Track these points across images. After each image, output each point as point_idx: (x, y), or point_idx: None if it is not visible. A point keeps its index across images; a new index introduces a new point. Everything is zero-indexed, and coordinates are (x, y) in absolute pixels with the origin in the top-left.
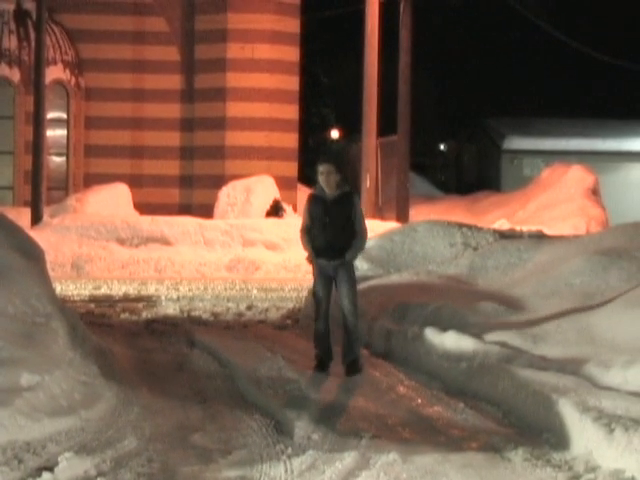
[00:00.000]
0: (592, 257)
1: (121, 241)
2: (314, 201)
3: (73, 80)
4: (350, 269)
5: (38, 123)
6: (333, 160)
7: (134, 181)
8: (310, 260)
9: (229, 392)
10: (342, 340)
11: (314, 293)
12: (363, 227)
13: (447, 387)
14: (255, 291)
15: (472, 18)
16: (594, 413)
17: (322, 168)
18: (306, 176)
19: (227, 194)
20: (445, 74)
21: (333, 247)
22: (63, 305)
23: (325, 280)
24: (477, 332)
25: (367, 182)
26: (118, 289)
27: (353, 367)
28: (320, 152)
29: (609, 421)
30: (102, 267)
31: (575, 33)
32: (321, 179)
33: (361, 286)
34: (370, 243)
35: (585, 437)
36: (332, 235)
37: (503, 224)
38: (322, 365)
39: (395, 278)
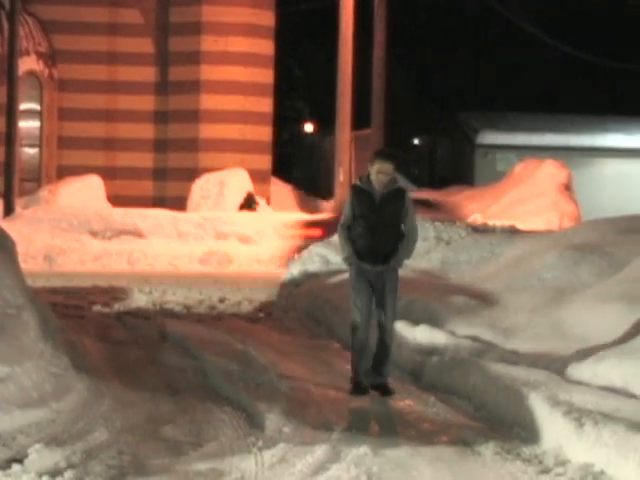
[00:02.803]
0: (564, 252)
1: (94, 233)
2: (359, 195)
3: (46, 71)
4: (395, 277)
5: (11, 114)
6: (394, 159)
7: (107, 173)
8: (350, 262)
9: (201, 385)
10: (374, 355)
11: (354, 304)
12: (414, 229)
13: (418, 381)
14: (228, 284)
15: (447, 12)
16: (564, 407)
17: (380, 167)
18: (279, 169)
19: (201, 187)
20: (419, 68)
21: (379, 251)
22: (34, 297)
23: (366, 286)
24: (449, 326)
25: (341, 176)
26: (90, 281)
27: (385, 390)
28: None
29: (579, 415)
30: (74, 259)
31: (549, 28)
32: (376, 178)
33: (334, 279)
34: None
35: (555, 431)
36: (379, 237)
37: (476, 218)
38: (360, 387)
39: None
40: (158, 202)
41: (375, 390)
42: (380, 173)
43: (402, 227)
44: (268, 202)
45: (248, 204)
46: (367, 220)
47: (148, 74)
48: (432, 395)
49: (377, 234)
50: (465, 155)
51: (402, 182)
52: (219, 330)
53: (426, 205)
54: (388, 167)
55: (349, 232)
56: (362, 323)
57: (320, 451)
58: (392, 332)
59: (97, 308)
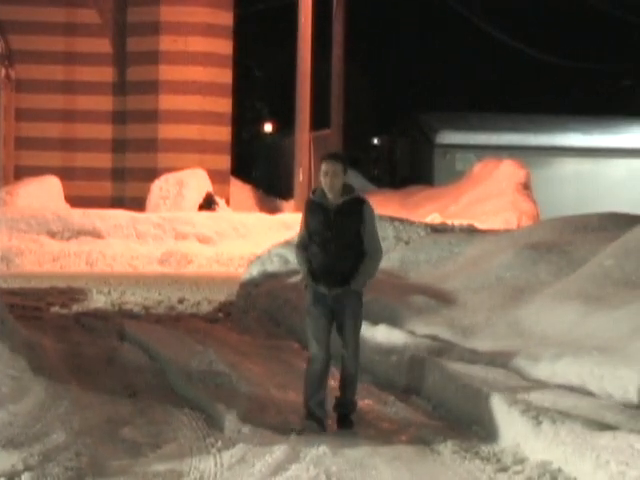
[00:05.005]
0: (522, 251)
1: (52, 234)
2: (313, 209)
3: (3, 72)
4: (356, 300)
5: None
6: (341, 158)
7: (66, 174)
8: (305, 285)
9: (159, 386)
10: (339, 384)
11: (308, 329)
12: (376, 246)
13: (378, 380)
14: (187, 284)
15: (406, 13)
16: (522, 406)
17: (326, 167)
18: (239, 169)
19: (160, 187)
20: (378, 68)
21: (335, 271)
22: None
23: (323, 312)
24: (408, 325)
25: (300, 176)
26: (48, 282)
27: (346, 421)
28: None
29: (537, 414)
30: (32, 260)
31: (509, 29)
32: (324, 181)
33: (294, 279)
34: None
35: (513, 429)
36: (335, 255)
37: (435, 218)
38: (313, 415)
39: None
40: (117, 202)
41: (337, 422)
42: (327, 175)
43: (364, 245)
44: (227, 202)
45: (207, 204)
46: (321, 237)
47: (106, 74)
48: (391, 394)
49: (332, 252)
50: (424, 155)
51: (362, 182)
52: (178, 331)
53: None
54: (334, 167)
55: (305, 251)
56: (319, 354)
57: (279, 451)
58: (354, 360)
59: (55, 309)
